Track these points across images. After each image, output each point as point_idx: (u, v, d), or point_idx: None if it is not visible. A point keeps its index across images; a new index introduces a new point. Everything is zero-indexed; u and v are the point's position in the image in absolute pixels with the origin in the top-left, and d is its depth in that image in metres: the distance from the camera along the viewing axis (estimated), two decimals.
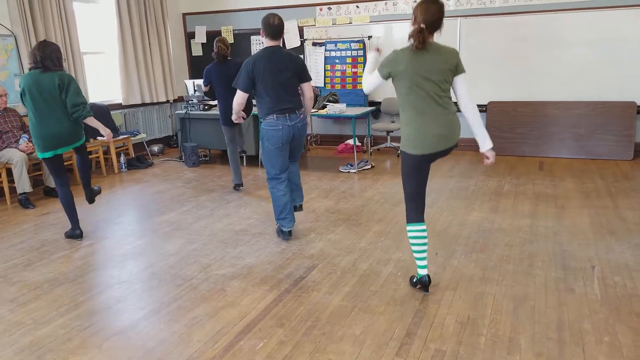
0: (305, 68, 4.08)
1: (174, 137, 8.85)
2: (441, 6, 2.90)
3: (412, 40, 2.89)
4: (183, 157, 7.42)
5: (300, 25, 8.22)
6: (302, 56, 8.18)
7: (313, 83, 8.10)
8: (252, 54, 8.65)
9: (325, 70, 8.08)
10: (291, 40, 8.31)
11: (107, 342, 2.80)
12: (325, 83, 8.09)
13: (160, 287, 3.47)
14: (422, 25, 2.86)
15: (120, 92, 7.83)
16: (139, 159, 7.38)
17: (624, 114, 6.73)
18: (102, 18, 7.61)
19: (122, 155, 7.12)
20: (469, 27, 7.23)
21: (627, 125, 6.72)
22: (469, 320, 2.90)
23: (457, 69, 2.95)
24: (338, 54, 7.94)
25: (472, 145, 8.02)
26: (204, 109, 7.22)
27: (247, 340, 2.77)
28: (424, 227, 3.15)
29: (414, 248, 3.17)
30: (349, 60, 7.88)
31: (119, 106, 7.81)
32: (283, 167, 4.09)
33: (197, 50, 9.15)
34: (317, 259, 3.83)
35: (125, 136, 7.33)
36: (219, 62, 5.47)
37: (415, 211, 3.14)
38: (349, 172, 6.54)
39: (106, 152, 7.12)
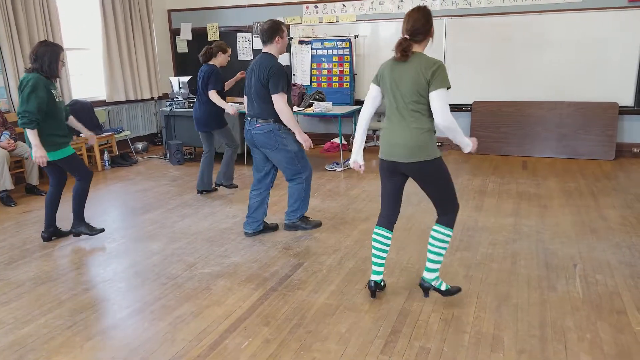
0: (273, 78, 3.80)
1: (159, 135, 8.78)
2: (425, 13, 2.82)
3: (394, 51, 2.85)
4: (168, 155, 7.37)
5: (286, 23, 8.20)
6: (286, 54, 8.17)
7: (300, 81, 8.06)
8: (238, 51, 8.67)
9: (311, 68, 8.08)
10: None
11: (90, 342, 2.78)
12: (311, 81, 8.09)
13: (145, 285, 3.44)
14: (406, 36, 2.83)
15: (104, 88, 7.76)
16: (122, 157, 7.32)
17: (606, 115, 6.83)
18: (86, 14, 7.51)
19: (105, 152, 7.05)
20: (454, 27, 7.28)
21: (609, 126, 6.82)
22: (453, 318, 2.92)
23: (432, 83, 2.75)
24: (324, 52, 7.94)
25: (456, 144, 8.08)
26: (189, 107, 7.18)
27: (232, 339, 2.76)
28: (385, 234, 3.08)
29: (372, 251, 3.14)
30: (335, 58, 7.88)
31: (102, 103, 7.73)
32: (256, 168, 4.18)
33: (183, 47, 9.09)
34: (302, 257, 3.84)
35: (109, 133, 7.26)
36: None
37: (382, 217, 3.12)
38: (335, 170, 6.55)
39: (90, 150, 7.04)
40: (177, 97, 7.29)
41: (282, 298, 3.21)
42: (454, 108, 7.52)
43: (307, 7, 8.07)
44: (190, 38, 8.95)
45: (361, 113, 3.07)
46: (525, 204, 4.95)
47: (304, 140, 4.00)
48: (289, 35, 8.19)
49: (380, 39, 7.75)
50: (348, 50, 7.76)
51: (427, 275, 3.08)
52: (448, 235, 2.97)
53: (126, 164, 7.20)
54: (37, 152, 3.85)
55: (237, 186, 5.65)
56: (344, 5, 7.86)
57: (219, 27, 8.70)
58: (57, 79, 4.10)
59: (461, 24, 7.27)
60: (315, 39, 8.01)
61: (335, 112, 6.55)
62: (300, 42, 8.12)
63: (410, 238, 4.12)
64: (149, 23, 8.36)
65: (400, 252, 3.85)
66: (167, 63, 9.14)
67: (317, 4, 8.00)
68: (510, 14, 7.03)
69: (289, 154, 4.00)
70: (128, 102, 8.17)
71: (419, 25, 2.82)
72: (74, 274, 3.66)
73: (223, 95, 5.27)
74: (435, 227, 2.99)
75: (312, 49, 8.01)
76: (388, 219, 3.11)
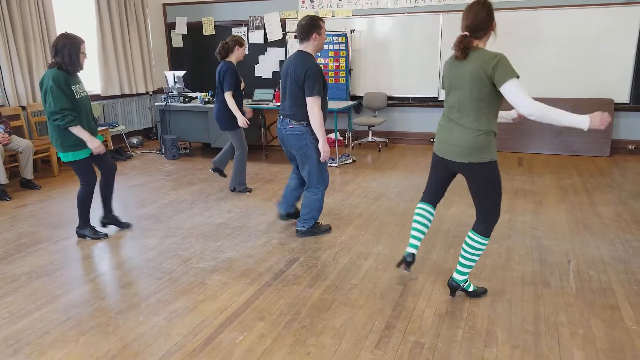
0: (309, 80, 3.70)
1: (154, 129, 8.75)
2: (486, 7, 2.69)
3: (453, 49, 2.75)
4: (163, 150, 7.35)
5: (282, 17, 8.18)
6: (285, 48, 8.15)
7: None
8: None
9: None
10: (273, 32, 8.27)
11: (85, 336, 2.78)
12: None
13: (140, 280, 3.44)
14: (465, 32, 2.73)
15: (99, 82, 7.72)
16: (117, 151, 7.29)
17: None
18: (80, 7, 7.47)
19: None
20: (451, 23, 7.27)
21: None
22: (447, 313, 2.94)
23: (497, 78, 2.61)
24: None
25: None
26: (184, 101, 7.16)
27: (227, 334, 2.77)
28: (427, 208, 3.13)
29: (412, 224, 3.17)
30: (331, 54, 7.86)
31: (97, 97, 7.70)
32: (294, 164, 4.18)
33: (178, 42, 9.05)
34: (297, 252, 3.84)
35: (104, 128, 7.23)
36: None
37: (426, 194, 3.18)
38: (330, 166, 6.55)
39: None
40: (172, 92, 7.27)
41: (277, 293, 3.21)
42: None
43: (303, 2, 8.05)
44: (185, 32, 8.92)
45: None
46: (520, 200, 4.96)
47: (323, 151, 3.83)
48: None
49: (377, 34, 7.74)
50: (344, 45, 7.75)
51: (456, 276, 3.07)
52: (482, 244, 2.92)
53: (121, 159, 7.18)
54: (90, 145, 3.92)
55: (251, 190, 5.45)
56: (340, 0, 7.84)
57: (214, 21, 8.67)
58: (79, 72, 3.98)
59: (458, 19, 7.18)
60: None
61: (331, 107, 6.54)
62: (296, 37, 8.08)
63: (408, 234, 4.13)
64: (143, 17, 8.32)
65: (398, 247, 3.86)
66: (162, 57, 9.10)
67: None
68: (507, 9, 7.03)
69: (314, 161, 3.91)
70: (123, 96, 8.14)
71: (480, 20, 2.71)
72: (69, 268, 3.65)
73: (240, 94, 5.13)
74: (470, 234, 2.95)
75: None
76: (427, 197, 3.15)
